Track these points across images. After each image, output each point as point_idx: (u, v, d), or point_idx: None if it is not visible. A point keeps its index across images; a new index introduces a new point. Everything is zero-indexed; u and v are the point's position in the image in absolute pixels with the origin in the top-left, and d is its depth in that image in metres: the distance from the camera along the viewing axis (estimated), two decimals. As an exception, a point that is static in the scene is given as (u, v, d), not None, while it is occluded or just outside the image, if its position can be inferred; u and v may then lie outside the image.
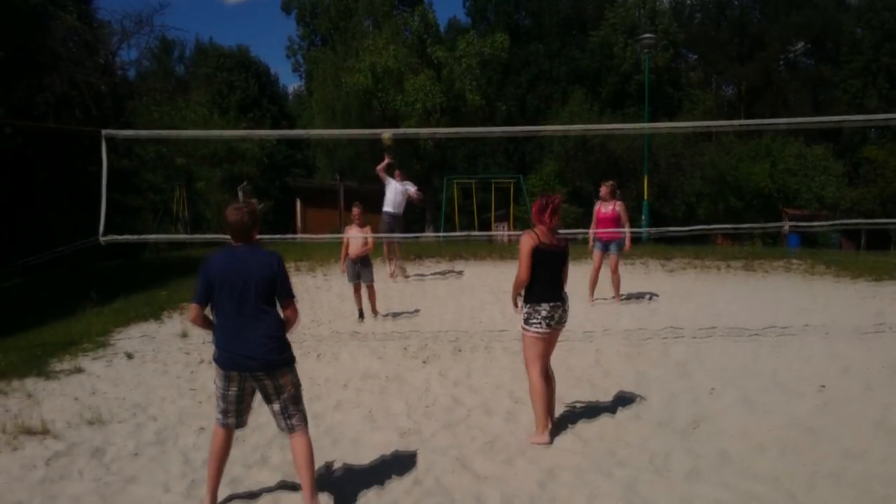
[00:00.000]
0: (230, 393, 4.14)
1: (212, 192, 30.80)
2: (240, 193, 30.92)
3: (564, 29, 53.43)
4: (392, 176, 13.13)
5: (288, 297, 4.15)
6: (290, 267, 12.28)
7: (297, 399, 4.22)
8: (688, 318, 9.71)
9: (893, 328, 8.75)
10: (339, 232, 22.84)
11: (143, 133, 13.84)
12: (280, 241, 15.51)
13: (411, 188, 13.35)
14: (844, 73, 49.60)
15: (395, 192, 12.98)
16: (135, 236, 10.73)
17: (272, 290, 4.10)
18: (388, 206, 12.94)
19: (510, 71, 47.50)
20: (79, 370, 7.29)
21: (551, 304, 5.16)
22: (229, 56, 47.60)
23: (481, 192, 32.34)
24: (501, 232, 27.07)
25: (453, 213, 29.77)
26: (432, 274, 13.91)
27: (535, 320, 5.16)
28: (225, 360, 4.08)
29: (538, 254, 5.11)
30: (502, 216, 30.64)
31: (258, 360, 4.02)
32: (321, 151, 37.34)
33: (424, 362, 7.64)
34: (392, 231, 12.77)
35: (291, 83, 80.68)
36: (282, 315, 4.18)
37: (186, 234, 24.14)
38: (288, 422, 4.19)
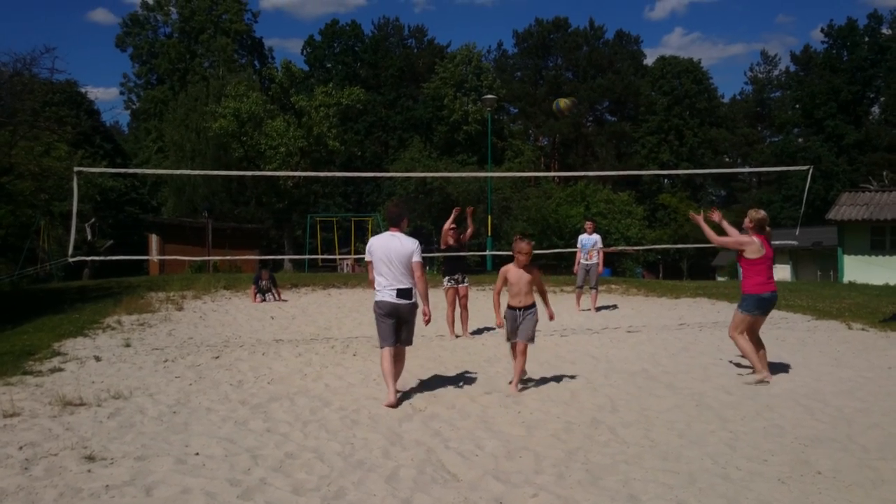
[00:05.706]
0: None
1: (54, 229, 30.58)
2: (87, 229, 30.81)
3: (399, 81, 56.93)
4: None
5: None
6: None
7: None
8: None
9: (690, 325, 11.91)
10: (204, 266, 23.77)
11: (110, 170, 14.65)
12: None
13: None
14: (642, 130, 57.11)
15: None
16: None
17: None
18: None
19: (348, 118, 50.10)
20: (59, 369, 8.41)
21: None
22: (58, 90, 46.26)
23: (327, 230, 34.14)
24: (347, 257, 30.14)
25: (316, 248, 31.45)
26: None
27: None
28: None
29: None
30: (346, 252, 32.95)
31: None
32: (170, 190, 37.33)
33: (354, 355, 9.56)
34: None
35: (110, 120, 78.24)
36: None
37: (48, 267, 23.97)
38: None
